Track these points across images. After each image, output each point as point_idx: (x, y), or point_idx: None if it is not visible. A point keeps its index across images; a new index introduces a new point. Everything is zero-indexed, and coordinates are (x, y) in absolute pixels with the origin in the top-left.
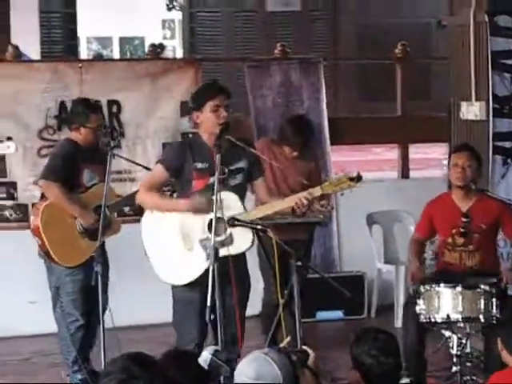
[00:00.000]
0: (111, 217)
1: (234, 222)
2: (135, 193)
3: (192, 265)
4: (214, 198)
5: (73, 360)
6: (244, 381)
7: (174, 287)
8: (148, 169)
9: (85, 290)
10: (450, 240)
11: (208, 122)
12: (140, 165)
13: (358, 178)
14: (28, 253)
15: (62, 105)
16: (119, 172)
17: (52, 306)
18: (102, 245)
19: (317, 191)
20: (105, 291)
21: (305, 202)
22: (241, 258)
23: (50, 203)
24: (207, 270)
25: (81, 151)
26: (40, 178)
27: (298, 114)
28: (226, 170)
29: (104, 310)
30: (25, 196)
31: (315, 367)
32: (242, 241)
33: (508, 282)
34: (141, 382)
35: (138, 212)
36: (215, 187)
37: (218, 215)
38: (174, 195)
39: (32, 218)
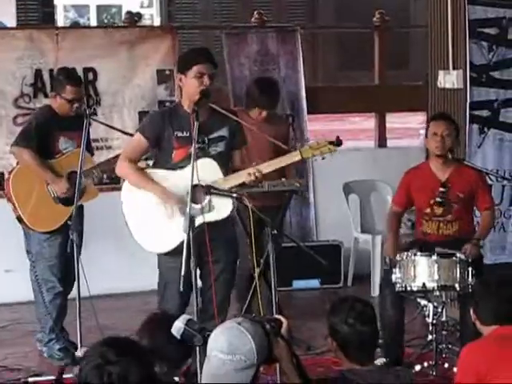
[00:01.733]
0: (86, 183)
1: (210, 189)
2: (111, 159)
3: (173, 233)
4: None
5: (50, 328)
6: (217, 355)
7: (158, 256)
8: (126, 133)
9: (62, 256)
10: (428, 210)
11: (190, 87)
12: (117, 129)
13: (338, 142)
14: (3, 221)
15: (38, 72)
16: (96, 140)
17: (29, 273)
18: (79, 212)
19: (296, 155)
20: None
21: (253, 178)
22: (226, 226)
23: (21, 168)
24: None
25: (58, 118)
26: (12, 144)
27: (263, 76)
28: (206, 139)
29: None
30: (1, 164)
31: (288, 336)
32: (222, 208)
33: (468, 254)
34: (116, 368)
35: (116, 180)
36: (192, 154)
37: (197, 183)
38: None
39: (5, 182)
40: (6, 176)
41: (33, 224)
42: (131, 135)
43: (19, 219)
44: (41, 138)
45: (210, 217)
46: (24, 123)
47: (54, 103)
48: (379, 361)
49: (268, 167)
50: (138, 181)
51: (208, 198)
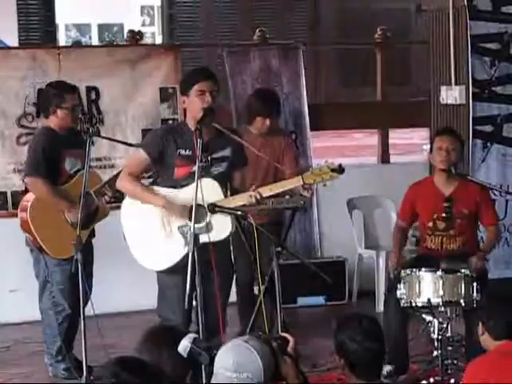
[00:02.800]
0: (98, 202)
1: (214, 207)
2: (117, 175)
3: (170, 251)
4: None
5: (57, 350)
6: (224, 373)
7: (158, 274)
8: (131, 145)
9: (72, 279)
10: (430, 224)
11: (193, 106)
12: (122, 142)
13: (341, 169)
14: (8, 241)
15: (41, 92)
16: (99, 159)
17: (38, 296)
18: (91, 232)
19: (297, 181)
20: (92, 277)
21: (253, 200)
22: (223, 246)
23: (36, 199)
24: (187, 256)
25: (60, 138)
26: (24, 175)
27: (261, 87)
28: (209, 158)
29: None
30: (4, 184)
31: (295, 353)
32: (222, 229)
33: (475, 267)
34: None
35: (118, 199)
36: (196, 173)
37: (198, 202)
38: (155, 184)
39: (20, 213)
40: (21, 207)
41: (54, 253)
42: (138, 146)
43: (39, 249)
44: (49, 162)
45: (211, 237)
46: (27, 142)
47: (53, 121)
48: (386, 368)
49: (269, 191)
50: (139, 194)
51: (208, 218)
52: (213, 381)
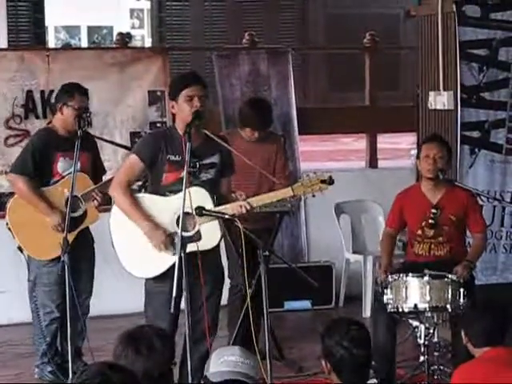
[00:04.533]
0: (87, 206)
1: (201, 211)
2: (107, 182)
3: (159, 259)
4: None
5: (43, 352)
6: (227, 358)
7: (146, 280)
8: (127, 148)
9: (62, 282)
10: (419, 232)
11: (182, 111)
12: (112, 142)
13: (330, 181)
14: None
15: (29, 94)
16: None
17: (28, 297)
18: (83, 233)
19: (287, 192)
20: (90, 278)
21: (243, 210)
22: (213, 255)
23: (18, 198)
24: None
25: (58, 139)
26: (9, 171)
27: (256, 96)
28: (198, 164)
29: (86, 298)
30: None
31: None
32: (210, 238)
33: (459, 276)
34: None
35: (108, 202)
36: (184, 179)
37: (187, 211)
38: (144, 188)
39: (5, 213)
40: (7, 205)
41: (34, 253)
42: (129, 149)
43: (20, 249)
44: (37, 161)
45: (200, 246)
46: (15, 144)
47: (58, 118)
48: (371, 382)
49: (259, 201)
50: (128, 210)
51: (198, 227)
52: (213, 371)
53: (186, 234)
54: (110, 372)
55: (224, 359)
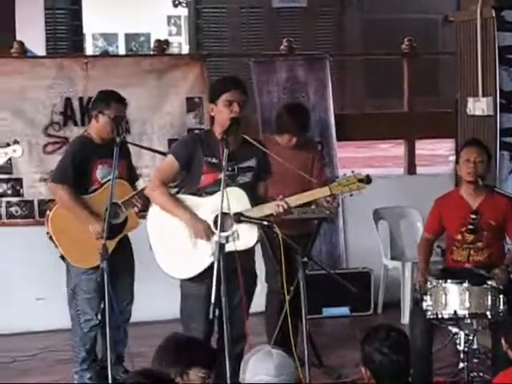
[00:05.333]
0: (127, 213)
1: (239, 217)
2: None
3: (196, 259)
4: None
5: (82, 358)
6: (263, 379)
7: (181, 282)
8: (160, 152)
9: (101, 290)
10: (458, 237)
11: (220, 115)
12: (150, 149)
13: (368, 180)
14: (35, 249)
15: (68, 101)
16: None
17: (68, 304)
18: (123, 241)
19: (325, 191)
20: (130, 285)
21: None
22: (248, 255)
23: (59, 208)
24: (213, 265)
25: (95, 146)
26: (49, 180)
27: (294, 102)
28: (236, 168)
29: (128, 305)
30: (30, 192)
31: None
32: (248, 237)
33: (497, 278)
34: None
35: (144, 208)
36: (222, 182)
37: (225, 211)
38: (181, 192)
39: (45, 223)
40: (47, 213)
41: (76, 262)
42: (165, 154)
43: (62, 258)
44: (77, 169)
45: (237, 245)
46: (54, 151)
47: (94, 126)
48: None
49: (296, 201)
50: (167, 204)
51: (235, 226)
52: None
53: (223, 234)
54: (147, 382)
55: (260, 377)
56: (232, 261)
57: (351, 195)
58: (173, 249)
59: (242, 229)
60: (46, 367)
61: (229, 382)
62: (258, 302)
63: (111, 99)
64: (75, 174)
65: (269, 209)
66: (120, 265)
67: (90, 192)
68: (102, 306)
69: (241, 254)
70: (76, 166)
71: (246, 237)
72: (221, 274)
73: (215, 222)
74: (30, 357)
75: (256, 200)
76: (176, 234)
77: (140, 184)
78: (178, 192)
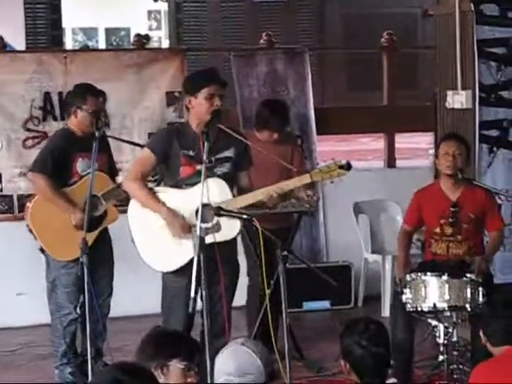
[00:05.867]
0: (107, 205)
1: (219, 211)
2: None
3: (179, 252)
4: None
5: (62, 353)
6: (227, 379)
7: (163, 274)
8: (138, 145)
9: (80, 283)
10: (437, 230)
11: (200, 108)
12: (134, 143)
13: (348, 166)
14: (15, 244)
15: (47, 95)
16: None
17: (47, 298)
18: (104, 235)
19: (306, 178)
20: (109, 279)
21: (274, 195)
22: (230, 246)
23: (39, 199)
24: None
25: (76, 140)
26: (29, 170)
27: (273, 98)
28: (213, 159)
29: (107, 298)
30: (10, 187)
31: None
32: (230, 228)
33: (478, 269)
34: None
35: (125, 202)
36: (202, 175)
37: (206, 202)
38: (162, 184)
39: (25, 213)
40: (27, 205)
41: (55, 254)
42: (143, 147)
43: (41, 250)
44: (57, 161)
45: (218, 237)
46: (34, 146)
47: (73, 121)
48: (389, 381)
49: (277, 189)
50: (145, 200)
51: (216, 218)
52: None
53: (205, 226)
54: (124, 377)
55: (223, 378)
56: (214, 252)
57: (332, 182)
58: (155, 241)
59: (223, 220)
60: (27, 362)
61: (209, 377)
62: (240, 296)
63: (87, 93)
64: (55, 166)
65: (262, 194)
66: (99, 258)
67: (70, 184)
68: (81, 299)
69: (223, 245)
70: (56, 158)
71: (227, 228)
72: (201, 267)
73: (196, 214)
74: (10, 352)
75: (241, 191)
76: (157, 226)
77: (120, 178)
78: (158, 184)
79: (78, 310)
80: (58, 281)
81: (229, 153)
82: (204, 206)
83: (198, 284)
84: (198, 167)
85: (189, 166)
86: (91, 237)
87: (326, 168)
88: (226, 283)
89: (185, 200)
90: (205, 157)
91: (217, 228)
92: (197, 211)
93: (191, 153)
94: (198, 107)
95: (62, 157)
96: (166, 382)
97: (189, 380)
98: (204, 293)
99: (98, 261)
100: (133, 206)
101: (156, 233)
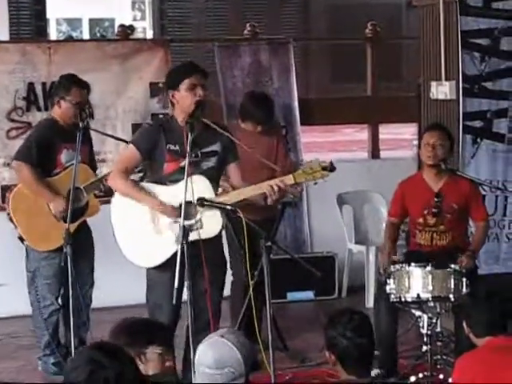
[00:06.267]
0: (88, 198)
1: (203, 202)
2: (109, 174)
3: (161, 247)
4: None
5: (45, 344)
6: (204, 370)
7: (148, 270)
8: (124, 141)
9: (61, 274)
10: (421, 220)
11: (184, 100)
12: (115, 137)
13: (331, 168)
14: None
15: (31, 86)
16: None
17: (28, 289)
18: (82, 225)
19: (289, 179)
20: (90, 270)
21: (276, 189)
22: (215, 242)
23: (21, 188)
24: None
25: (60, 130)
26: (12, 158)
27: (257, 91)
28: (199, 153)
29: (89, 289)
30: None
31: None
32: (212, 225)
33: (464, 266)
34: (111, 372)
35: (109, 193)
36: (186, 168)
37: (189, 199)
38: (145, 180)
39: (6, 203)
40: (8, 195)
41: (34, 244)
42: (128, 142)
43: (21, 239)
44: (41, 151)
45: (201, 234)
46: (17, 136)
47: (56, 111)
48: (374, 372)
49: (262, 189)
50: (131, 192)
51: (199, 215)
52: (195, 378)
53: (187, 223)
54: (102, 357)
55: (201, 370)
56: (197, 250)
57: (315, 183)
58: (137, 238)
59: (206, 217)
60: (10, 353)
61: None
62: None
63: (71, 84)
64: (39, 156)
65: (261, 189)
66: (80, 249)
67: (53, 175)
68: (62, 291)
69: (206, 242)
70: (40, 147)
71: (210, 225)
72: (184, 259)
73: (180, 211)
74: None
75: (232, 187)
76: (139, 222)
77: (103, 171)
78: (141, 179)
79: (60, 301)
80: (38, 272)
81: (215, 147)
82: (187, 202)
83: (181, 276)
84: (182, 164)
85: (173, 161)
86: (72, 228)
87: (309, 169)
88: (212, 279)
89: (167, 196)
90: (188, 148)
91: (199, 225)
92: (179, 208)
93: (177, 147)
94: (182, 100)
95: (46, 147)
96: (145, 369)
97: (167, 364)
98: (187, 283)
99: (79, 252)
100: (114, 203)
101: (138, 229)
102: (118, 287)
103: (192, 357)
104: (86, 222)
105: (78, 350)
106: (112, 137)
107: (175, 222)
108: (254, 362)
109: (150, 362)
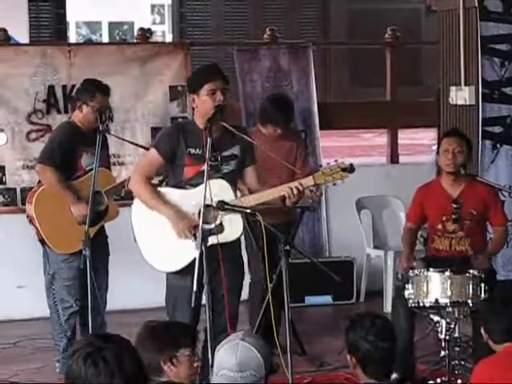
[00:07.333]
0: (109, 202)
1: (222, 205)
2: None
3: (181, 252)
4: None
5: (64, 346)
6: (226, 373)
7: (168, 274)
8: (143, 147)
9: (80, 277)
10: (439, 226)
11: (204, 105)
12: (134, 143)
13: (351, 169)
14: (17, 237)
15: (51, 89)
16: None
17: (46, 292)
18: (100, 229)
19: (309, 181)
20: (105, 274)
21: (295, 191)
22: (234, 247)
23: (44, 190)
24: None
25: (81, 134)
26: (37, 161)
27: (277, 93)
28: (219, 157)
29: (104, 292)
30: (13, 180)
31: None
32: (232, 230)
33: (480, 262)
34: (109, 351)
35: (128, 196)
36: (205, 173)
37: (208, 203)
38: (163, 184)
39: (27, 205)
40: (28, 198)
41: (55, 246)
42: (147, 149)
43: (42, 241)
44: (64, 154)
45: (221, 238)
46: (37, 139)
47: (78, 115)
48: (393, 376)
49: (280, 191)
50: (150, 200)
51: (219, 219)
52: (214, 380)
53: (207, 227)
54: (101, 341)
55: (223, 373)
56: (216, 253)
57: (334, 184)
58: (158, 242)
59: (226, 221)
60: (27, 355)
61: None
62: (242, 291)
63: (97, 90)
64: (62, 159)
65: (281, 191)
66: (97, 253)
67: (75, 178)
68: (81, 293)
69: (226, 245)
70: (63, 151)
71: (230, 229)
72: (203, 264)
73: (199, 215)
74: (11, 344)
75: (248, 188)
76: (160, 226)
77: (122, 173)
78: (160, 184)
79: (79, 303)
80: (57, 274)
81: (234, 150)
82: (206, 206)
83: (200, 279)
84: (202, 168)
85: (193, 165)
86: (91, 231)
87: (329, 170)
88: (231, 283)
89: (187, 200)
90: (207, 152)
91: (219, 229)
92: (199, 212)
93: (197, 151)
94: (202, 105)
95: (69, 150)
96: (177, 372)
97: (195, 365)
98: (206, 287)
99: (96, 256)
100: (136, 205)
101: (159, 233)
102: (136, 290)
103: (210, 360)
104: (103, 226)
105: (80, 339)
106: (131, 143)
107: (196, 227)
108: (270, 364)
109: (181, 365)
